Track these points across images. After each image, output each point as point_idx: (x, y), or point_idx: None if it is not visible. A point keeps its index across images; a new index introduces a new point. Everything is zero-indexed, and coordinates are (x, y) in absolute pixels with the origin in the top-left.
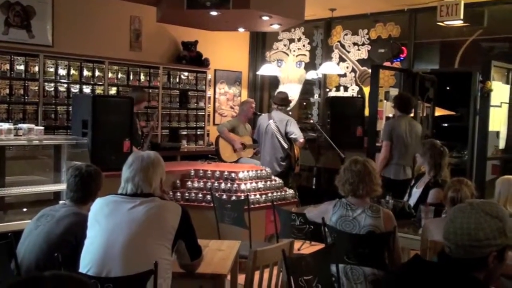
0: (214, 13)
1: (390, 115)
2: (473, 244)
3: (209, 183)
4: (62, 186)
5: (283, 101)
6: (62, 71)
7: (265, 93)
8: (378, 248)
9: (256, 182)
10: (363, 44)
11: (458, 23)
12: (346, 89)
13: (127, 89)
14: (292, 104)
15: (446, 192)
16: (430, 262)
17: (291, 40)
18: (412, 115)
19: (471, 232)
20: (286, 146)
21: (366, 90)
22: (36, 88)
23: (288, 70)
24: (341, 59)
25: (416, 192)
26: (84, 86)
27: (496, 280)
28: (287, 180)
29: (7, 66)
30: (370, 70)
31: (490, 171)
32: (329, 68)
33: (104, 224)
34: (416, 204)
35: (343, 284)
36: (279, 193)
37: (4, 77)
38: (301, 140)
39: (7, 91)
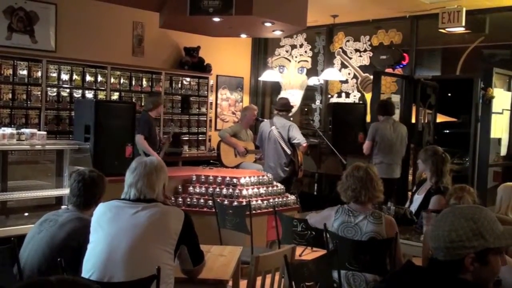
0: (216, 19)
1: None
2: (447, 245)
3: (211, 189)
4: (64, 191)
5: (284, 106)
6: (64, 76)
7: (266, 99)
8: (379, 254)
9: (258, 188)
10: (365, 51)
11: (460, 30)
12: (347, 95)
13: (130, 95)
14: (293, 110)
15: (448, 199)
16: (420, 267)
17: (293, 46)
18: (396, 117)
19: (445, 233)
20: (289, 151)
21: (368, 96)
22: (39, 93)
23: (290, 76)
24: (343, 65)
25: (418, 198)
26: (86, 91)
27: (491, 283)
28: (290, 186)
29: (10, 71)
30: (371, 77)
31: (492, 178)
32: (331, 74)
33: (107, 229)
34: (418, 211)
35: None
36: (280, 199)
37: (7, 82)
38: (304, 144)
39: (10, 96)
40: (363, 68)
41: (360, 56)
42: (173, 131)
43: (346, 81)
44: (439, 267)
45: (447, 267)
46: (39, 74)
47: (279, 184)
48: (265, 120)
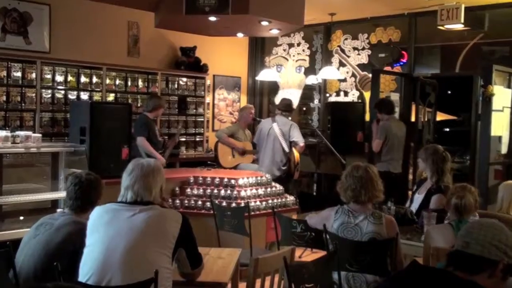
0: (213, 18)
1: None
2: (494, 243)
3: (209, 190)
4: (60, 194)
5: (287, 107)
6: (59, 78)
7: (264, 99)
8: (380, 255)
9: (256, 189)
10: (363, 49)
11: (459, 27)
12: (346, 94)
13: (125, 96)
14: (293, 111)
15: (449, 198)
16: (428, 267)
17: (291, 45)
18: (396, 116)
19: (497, 232)
20: (287, 150)
21: (367, 95)
22: (33, 95)
23: (287, 75)
24: (341, 64)
25: (418, 198)
26: (81, 93)
27: None
28: (287, 187)
29: (4, 73)
30: (370, 75)
31: (493, 176)
32: (329, 73)
33: (104, 232)
34: (418, 210)
35: None
36: (279, 200)
37: (1, 84)
38: (302, 144)
39: (4, 98)
40: (362, 66)
41: (359, 54)
42: (180, 132)
43: (344, 80)
44: (463, 259)
45: (473, 261)
46: (34, 75)
47: (277, 185)
48: (266, 118)
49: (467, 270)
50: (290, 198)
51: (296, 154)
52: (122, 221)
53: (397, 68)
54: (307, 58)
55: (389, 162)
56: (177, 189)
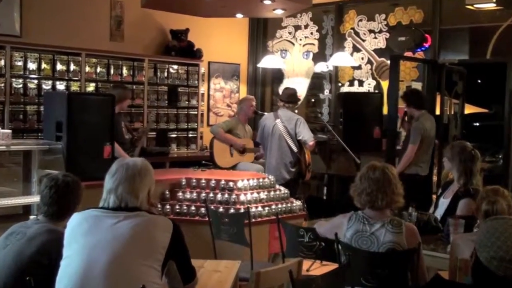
0: None
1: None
2: None
3: (203, 194)
4: (32, 199)
5: (291, 97)
6: (32, 65)
7: (267, 89)
8: (399, 268)
9: (258, 192)
10: (380, 32)
11: (490, 6)
12: (361, 83)
13: (107, 85)
14: (298, 102)
15: (479, 203)
16: (453, 283)
17: (297, 27)
18: None
19: None
20: (296, 149)
21: (385, 84)
22: (2, 85)
23: (293, 62)
24: (355, 49)
25: (444, 202)
26: (57, 82)
27: None
28: (295, 189)
29: None
30: (388, 62)
31: None
32: (341, 59)
33: (83, 243)
34: (444, 217)
35: None
36: (284, 205)
37: None
38: (311, 142)
39: None
40: (379, 51)
41: (375, 38)
42: (146, 131)
43: (359, 67)
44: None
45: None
46: (2, 63)
47: (282, 188)
48: (268, 113)
49: None
50: (297, 203)
51: (307, 153)
52: (104, 229)
53: (420, 54)
54: (316, 43)
55: (419, 164)
56: (167, 192)
